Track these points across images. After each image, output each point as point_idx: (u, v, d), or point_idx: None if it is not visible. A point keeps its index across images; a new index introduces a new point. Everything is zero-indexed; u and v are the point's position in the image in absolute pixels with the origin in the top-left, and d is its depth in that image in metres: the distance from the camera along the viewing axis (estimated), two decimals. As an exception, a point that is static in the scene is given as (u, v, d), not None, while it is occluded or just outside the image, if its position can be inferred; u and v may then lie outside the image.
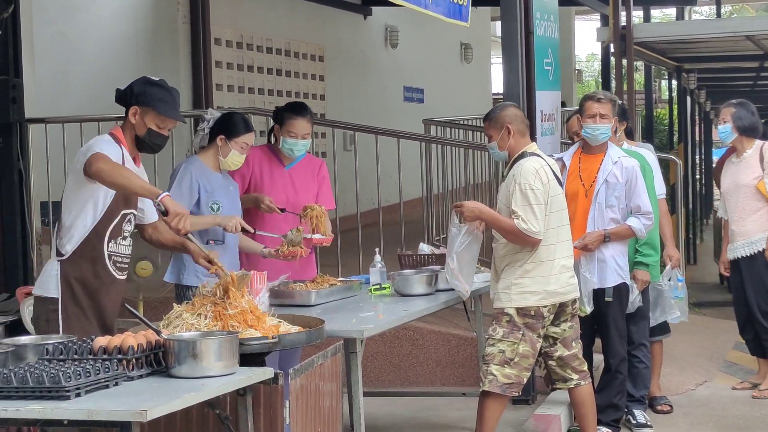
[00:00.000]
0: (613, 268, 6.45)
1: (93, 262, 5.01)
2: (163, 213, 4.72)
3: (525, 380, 5.92)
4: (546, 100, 7.74)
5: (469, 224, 5.94)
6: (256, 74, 12.48)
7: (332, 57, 14.14)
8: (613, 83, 12.15)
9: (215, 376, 4.00)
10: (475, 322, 6.88)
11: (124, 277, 5.18)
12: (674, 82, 16.45)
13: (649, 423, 6.80)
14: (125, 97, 5.10)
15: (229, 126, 5.96)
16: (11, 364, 3.97)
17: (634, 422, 6.79)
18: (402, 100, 16.12)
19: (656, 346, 7.23)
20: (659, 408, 7.20)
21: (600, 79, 15.67)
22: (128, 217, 5.10)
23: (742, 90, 20.46)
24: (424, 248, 6.78)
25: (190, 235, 5.58)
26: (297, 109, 6.36)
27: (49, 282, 4.98)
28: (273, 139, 6.44)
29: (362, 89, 14.80)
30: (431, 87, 17.02)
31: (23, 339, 4.31)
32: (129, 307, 4.38)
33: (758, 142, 7.60)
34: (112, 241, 5.01)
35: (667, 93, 20.70)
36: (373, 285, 6.27)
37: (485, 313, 6.88)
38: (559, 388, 6.16)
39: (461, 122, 12.58)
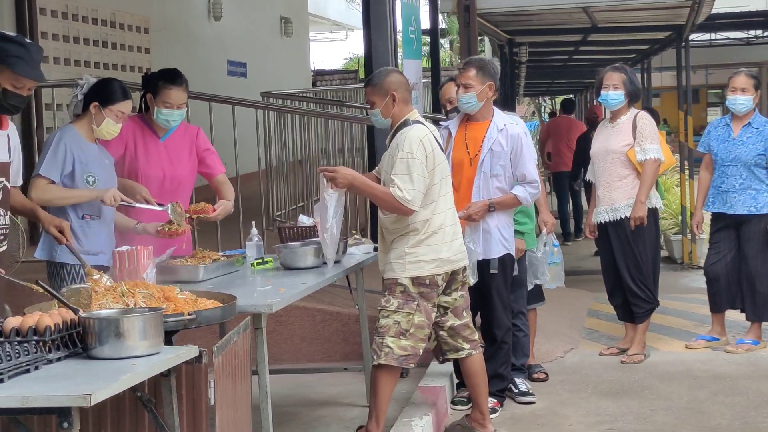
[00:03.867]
0: (497, 239, 6.37)
1: None
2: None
3: (421, 351, 5.78)
4: (411, 69, 7.63)
5: (340, 191, 5.74)
6: (83, 46, 11.91)
7: (157, 29, 13.63)
8: (444, 55, 12.18)
9: (141, 356, 3.70)
10: (357, 296, 6.69)
11: (5, 248, 4.83)
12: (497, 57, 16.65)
13: (531, 391, 6.77)
14: None
15: (104, 93, 5.56)
16: None
17: (516, 391, 6.75)
18: (226, 74, 15.73)
19: (531, 314, 7.20)
20: (535, 376, 7.18)
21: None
22: (1, 186, 4.75)
23: (555, 65, 20.91)
24: (305, 220, 6.53)
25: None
26: (172, 77, 6.03)
27: None
28: (144, 109, 6.10)
29: (187, 62, 14.24)
30: (253, 61, 16.68)
31: None
32: (42, 284, 4.01)
33: (633, 110, 7.64)
34: None
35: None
36: (256, 259, 6.03)
37: (368, 290, 6.74)
38: (450, 359, 6.05)
39: (299, 95, 12.36)
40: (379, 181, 5.82)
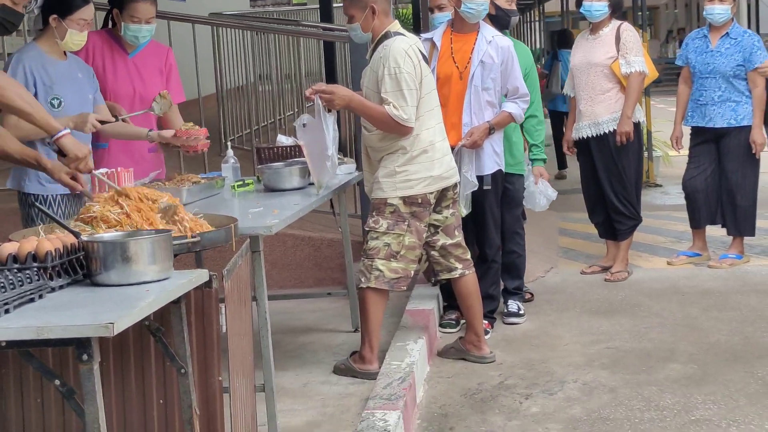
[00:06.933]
0: (489, 154, 6.13)
1: None
2: (60, 154, 4.23)
3: (412, 273, 5.55)
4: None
5: (333, 112, 5.45)
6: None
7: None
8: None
9: (151, 281, 3.40)
10: (340, 220, 6.41)
11: None
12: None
13: (521, 312, 6.57)
14: None
15: (61, 1, 5.13)
16: None
17: (506, 311, 6.57)
18: (165, -2, 15.20)
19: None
20: (522, 296, 7.00)
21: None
22: None
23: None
24: (284, 140, 6.23)
25: (39, 145, 4.90)
26: None
27: None
28: (111, 24, 5.72)
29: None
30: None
31: None
32: (40, 206, 3.68)
33: (615, 22, 7.37)
34: None
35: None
36: (236, 181, 5.73)
37: (350, 214, 6.47)
38: (443, 280, 5.83)
39: (250, 15, 11.94)
40: None
